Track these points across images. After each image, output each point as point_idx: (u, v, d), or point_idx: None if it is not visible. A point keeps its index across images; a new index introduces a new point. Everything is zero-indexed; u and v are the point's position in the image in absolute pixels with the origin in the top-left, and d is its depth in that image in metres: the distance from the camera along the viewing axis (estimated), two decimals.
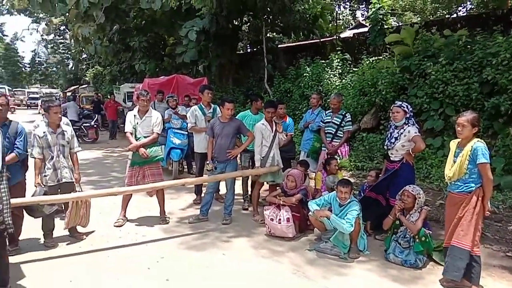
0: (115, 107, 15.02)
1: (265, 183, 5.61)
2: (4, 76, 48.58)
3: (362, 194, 5.36)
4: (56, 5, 14.28)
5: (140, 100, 5.30)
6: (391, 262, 4.14)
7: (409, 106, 4.64)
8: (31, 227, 4.58)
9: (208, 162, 5.49)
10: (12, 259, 3.98)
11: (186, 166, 8.68)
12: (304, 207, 4.88)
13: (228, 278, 3.83)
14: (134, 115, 5.26)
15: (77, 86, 31.99)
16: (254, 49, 18.37)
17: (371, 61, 10.30)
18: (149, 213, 5.68)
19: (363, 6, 22.93)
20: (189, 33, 13.27)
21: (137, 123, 5.24)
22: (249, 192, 6.18)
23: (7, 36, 51.92)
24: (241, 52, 20.18)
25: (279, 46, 16.87)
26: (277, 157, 5.48)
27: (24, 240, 4.52)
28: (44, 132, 4.47)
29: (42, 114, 12.56)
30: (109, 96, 18.88)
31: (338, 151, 5.95)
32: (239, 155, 5.66)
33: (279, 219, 4.70)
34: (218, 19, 13.35)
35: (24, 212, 4.30)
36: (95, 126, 13.77)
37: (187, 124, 8.04)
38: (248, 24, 16.79)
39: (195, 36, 13.16)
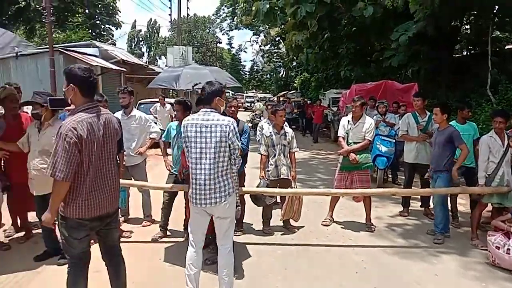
0: (321, 111, 15.79)
1: (489, 204, 4.92)
2: None
3: None
4: (277, 15, 15.93)
5: (353, 106, 5.44)
6: None
7: None
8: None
9: (429, 170, 5.22)
10: (238, 239, 4.66)
11: (391, 175, 8.38)
12: None
13: None
14: (348, 121, 5.40)
15: (286, 91, 34.89)
16: (472, 51, 16.31)
17: None
18: (354, 218, 5.73)
19: None
20: (401, 37, 12.77)
21: (350, 129, 5.36)
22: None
23: (233, 48, 61.22)
24: (457, 55, 18.21)
25: (506, 47, 14.52)
26: (508, 177, 4.69)
27: (245, 224, 5.20)
28: (270, 133, 5.07)
29: (260, 116, 14.01)
30: (309, 102, 20.11)
31: None
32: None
33: (508, 249, 4.03)
34: (436, 20, 12.40)
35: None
36: None
37: (395, 131, 7.79)
38: (469, 24, 15.01)
39: (406, 41, 12.58)
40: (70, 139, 2.53)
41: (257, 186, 4.87)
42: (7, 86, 4.84)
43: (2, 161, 4.56)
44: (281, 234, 5.06)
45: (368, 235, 5.16)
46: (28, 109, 4.80)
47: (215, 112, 3.26)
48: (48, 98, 3.80)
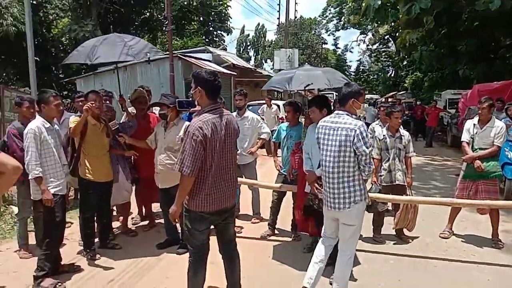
0: (436, 113, 14.66)
1: None
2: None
3: None
4: (389, 12, 15.15)
5: (479, 108, 4.91)
6: None
7: None
8: None
9: None
10: None
11: None
12: None
13: None
14: (474, 124, 4.90)
15: (395, 92, 33.00)
16: None
17: None
18: (477, 232, 5.16)
19: None
20: None
21: (476, 133, 4.86)
22: None
23: (339, 48, 59.85)
24: None
25: None
26: None
27: None
28: (383, 135, 4.84)
29: (364, 117, 13.50)
30: (419, 102, 18.88)
31: None
32: None
33: None
34: None
35: None
36: None
37: None
38: None
39: None
40: (196, 138, 2.72)
41: (368, 191, 4.67)
42: (140, 89, 5.41)
43: (132, 158, 5.11)
44: (394, 243, 4.79)
45: (495, 251, 4.61)
46: (156, 110, 5.31)
47: (348, 114, 3.20)
48: (177, 100, 4.15)
